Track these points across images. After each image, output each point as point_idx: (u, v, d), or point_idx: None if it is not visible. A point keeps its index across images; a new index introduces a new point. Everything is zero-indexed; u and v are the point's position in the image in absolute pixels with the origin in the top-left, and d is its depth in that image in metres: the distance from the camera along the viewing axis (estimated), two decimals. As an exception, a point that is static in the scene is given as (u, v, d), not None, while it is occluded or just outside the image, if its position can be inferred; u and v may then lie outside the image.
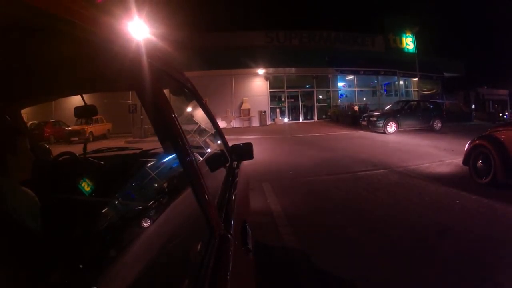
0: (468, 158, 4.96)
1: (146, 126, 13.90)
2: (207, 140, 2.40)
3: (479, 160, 4.74)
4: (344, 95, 22.33)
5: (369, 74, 21.02)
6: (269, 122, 19.57)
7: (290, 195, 4.64)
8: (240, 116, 19.23)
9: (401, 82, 22.96)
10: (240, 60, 17.88)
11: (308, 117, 21.53)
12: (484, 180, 4.59)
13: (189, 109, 2.16)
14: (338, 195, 4.58)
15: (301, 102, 21.42)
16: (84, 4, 0.59)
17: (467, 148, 5.05)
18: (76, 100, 1.98)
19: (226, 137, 2.17)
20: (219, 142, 2.16)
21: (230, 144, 2.15)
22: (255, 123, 19.25)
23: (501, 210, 3.60)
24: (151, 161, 1.72)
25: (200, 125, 2.43)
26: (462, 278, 2.31)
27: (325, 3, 22.29)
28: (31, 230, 0.84)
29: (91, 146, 2.22)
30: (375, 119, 13.38)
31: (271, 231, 3.31)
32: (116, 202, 1.20)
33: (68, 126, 13.21)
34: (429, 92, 22.97)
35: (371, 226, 3.34)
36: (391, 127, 12.98)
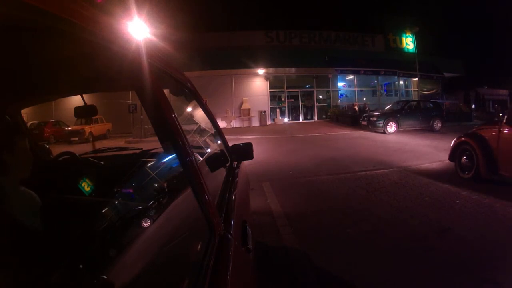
0: (454, 154, 5.27)
1: (146, 126, 13.89)
2: (207, 140, 2.40)
3: (463, 156, 5.04)
4: (344, 95, 22.34)
5: (369, 74, 21.02)
6: (269, 122, 19.58)
7: (290, 195, 4.64)
8: (240, 116, 19.23)
9: (401, 82, 22.96)
10: (240, 60, 17.89)
11: (308, 117, 21.54)
12: (467, 175, 4.92)
13: (189, 109, 2.16)
14: (338, 195, 4.58)
15: (301, 102, 21.43)
16: (84, 4, 0.59)
17: (452, 145, 5.35)
18: (76, 100, 1.98)
19: (226, 137, 2.17)
20: (219, 142, 2.16)
21: (230, 144, 2.15)
22: (255, 123, 19.25)
23: (501, 209, 3.59)
24: (151, 161, 1.72)
25: (200, 125, 2.43)
26: (462, 272, 2.31)
27: (325, 3, 22.26)
28: (31, 230, 0.83)
29: (91, 146, 2.22)
30: (375, 119, 13.38)
31: (271, 231, 3.31)
32: (116, 202, 1.20)
33: (68, 126, 13.20)
34: (429, 92, 22.96)
35: (371, 226, 3.34)
36: (391, 127, 12.98)
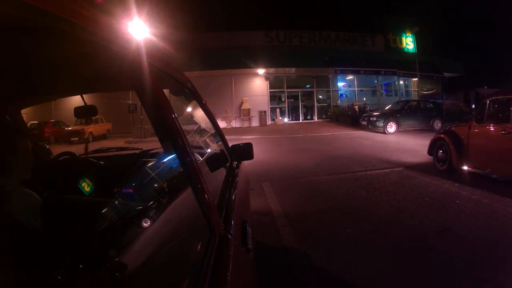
0: (432, 149, 5.98)
1: (146, 126, 13.90)
2: (207, 140, 2.40)
3: (440, 151, 5.74)
4: (344, 95, 22.33)
5: (369, 74, 21.02)
6: (269, 122, 19.57)
7: (290, 195, 4.64)
8: (240, 116, 19.22)
9: (401, 82, 22.96)
10: (240, 60, 17.89)
11: (308, 117, 21.53)
12: (442, 167, 5.61)
13: (189, 109, 2.16)
14: (338, 195, 4.58)
15: (301, 102, 21.42)
16: (84, 4, 0.59)
17: (430, 141, 6.09)
18: (76, 100, 1.98)
19: (226, 137, 2.17)
20: (219, 142, 2.17)
21: (230, 144, 2.15)
22: (255, 123, 19.25)
23: (501, 209, 3.60)
24: (151, 161, 1.72)
25: (200, 125, 2.43)
26: (462, 272, 2.31)
27: (325, 3, 22.26)
28: (31, 230, 0.84)
29: (91, 146, 2.22)
30: (375, 119, 13.37)
31: (271, 231, 3.31)
32: (116, 202, 1.20)
33: (68, 126, 13.22)
34: (429, 92, 22.95)
35: (371, 226, 3.34)
36: (391, 127, 12.98)
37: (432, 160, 5.94)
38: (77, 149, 2.16)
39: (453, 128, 5.63)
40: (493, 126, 4.64)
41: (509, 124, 4.27)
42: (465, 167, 5.09)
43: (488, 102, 4.82)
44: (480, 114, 4.97)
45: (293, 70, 20.53)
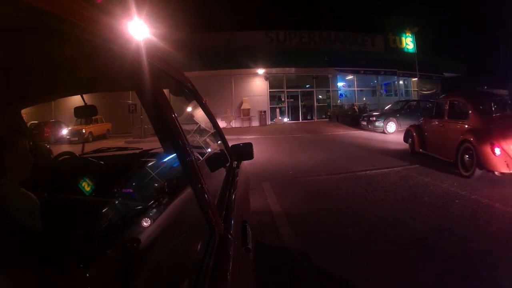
0: (406, 138, 7.82)
1: (146, 126, 13.89)
2: (207, 140, 2.40)
3: (410, 139, 7.54)
4: (344, 95, 22.33)
5: (369, 74, 21.00)
6: (269, 122, 19.57)
7: (290, 195, 4.64)
8: (240, 116, 19.22)
9: (401, 82, 22.96)
10: (240, 60, 17.88)
11: (307, 117, 21.53)
12: (409, 151, 7.44)
13: (189, 109, 2.16)
14: (338, 194, 4.58)
15: (301, 102, 21.42)
16: (84, 4, 0.59)
17: (404, 132, 8.01)
18: (76, 100, 1.98)
19: (226, 137, 2.17)
20: (219, 142, 2.17)
21: (230, 144, 2.15)
22: (255, 123, 19.24)
23: (500, 209, 3.60)
24: (151, 161, 1.72)
25: (200, 125, 2.43)
26: (462, 272, 2.31)
27: (325, 3, 22.27)
28: (31, 230, 0.84)
29: (91, 146, 2.22)
30: (374, 119, 13.37)
31: (271, 231, 3.31)
32: (116, 202, 1.20)
33: (68, 126, 13.20)
34: (429, 92, 22.93)
35: (371, 226, 3.34)
36: (391, 127, 12.97)
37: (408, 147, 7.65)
38: (77, 149, 2.17)
39: (419, 122, 7.49)
40: (436, 120, 6.45)
41: (443, 119, 6.08)
42: (422, 151, 6.87)
43: (435, 102, 7.09)
44: (431, 111, 6.99)
45: (293, 70, 20.52)
